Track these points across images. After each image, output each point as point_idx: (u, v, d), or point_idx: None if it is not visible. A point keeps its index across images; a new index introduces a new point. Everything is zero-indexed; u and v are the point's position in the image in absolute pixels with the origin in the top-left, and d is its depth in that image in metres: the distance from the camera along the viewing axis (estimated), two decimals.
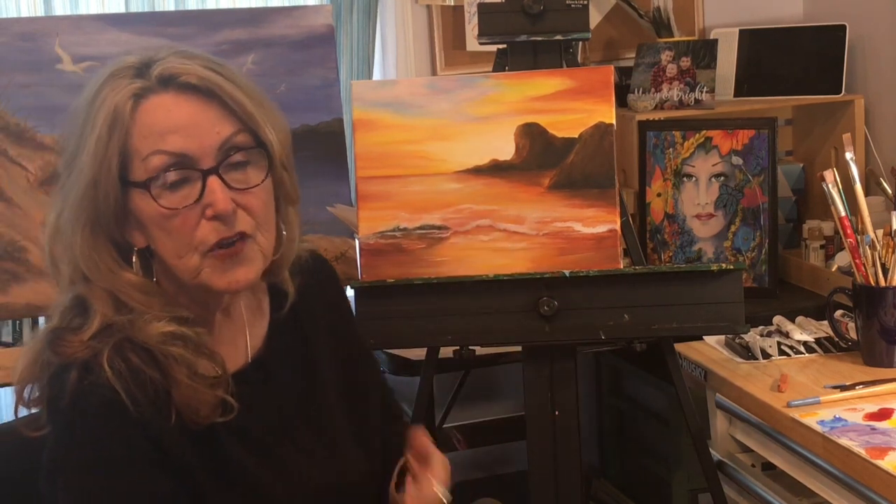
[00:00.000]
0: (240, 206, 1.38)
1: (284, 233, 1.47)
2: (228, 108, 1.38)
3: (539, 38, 2.15)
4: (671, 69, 3.01)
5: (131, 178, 1.37)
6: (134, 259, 1.40)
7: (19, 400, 1.41)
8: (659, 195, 2.89)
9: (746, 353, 2.14)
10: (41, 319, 2.45)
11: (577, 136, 2.06)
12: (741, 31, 3.17)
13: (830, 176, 2.06)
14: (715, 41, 3.07)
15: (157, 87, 1.37)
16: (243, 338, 1.50)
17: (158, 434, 1.35)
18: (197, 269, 1.38)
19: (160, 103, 1.37)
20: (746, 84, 3.14)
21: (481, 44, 2.21)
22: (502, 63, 2.18)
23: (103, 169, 1.35)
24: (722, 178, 2.82)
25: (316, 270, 1.60)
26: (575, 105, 2.06)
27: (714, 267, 2.02)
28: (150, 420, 1.35)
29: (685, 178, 2.85)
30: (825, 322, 2.16)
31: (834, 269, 2.75)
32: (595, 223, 2.05)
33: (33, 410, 1.41)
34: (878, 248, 2.02)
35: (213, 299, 1.45)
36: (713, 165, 2.82)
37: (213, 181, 1.36)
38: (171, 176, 1.36)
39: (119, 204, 1.37)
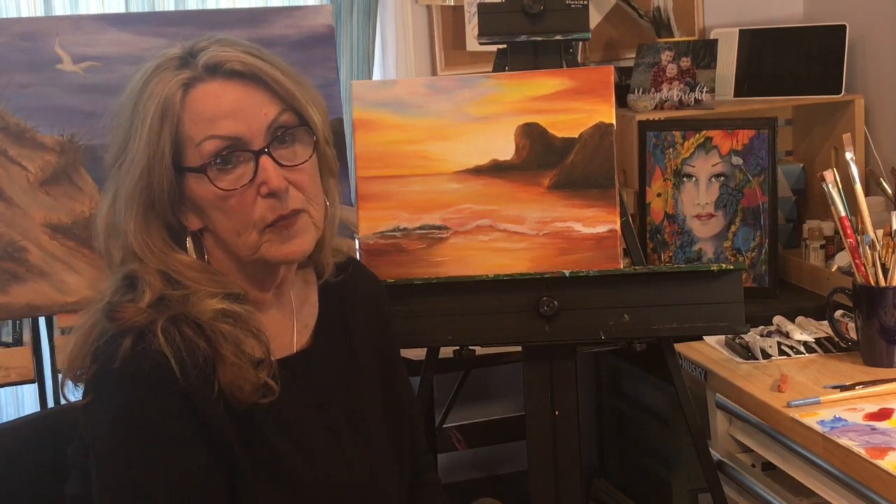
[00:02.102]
0: (290, 182, 1.44)
1: (327, 203, 1.52)
2: (272, 91, 1.44)
3: (539, 38, 2.15)
4: (671, 69, 3.01)
5: (186, 164, 1.43)
6: (188, 241, 1.47)
7: (69, 373, 1.43)
8: (659, 195, 2.89)
9: (746, 353, 2.14)
10: (41, 319, 2.46)
11: (577, 136, 2.06)
12: (741, 31, 3.17)
13: (830, 176, 2.06)
14: (715, 41, 3.07)
15: (204, 76, 1.43)
16: (290, 325, 1.54)
17: (203, 406, 1.38)
18: (256, 244, 1.44)
19: (209, 91, 1.43)
20: (746, 84, 3.14)
21: (481, 44, 2.21)
22: (502, 63, 2.18)
23: (156, 157, 1.41)
24: (722, 178, 2.82)
25: (357, 273, 1.66)
26: (575, 105, 2.06)
27: (714, 267, 2.02)
28: (197, 390, 1.38)
29: (685, 178, 2.85)
30: (825, 322, 2.16)
31: (834, 269, 2.75)
32: (595, 223, 2.05)
33: (79, 387, 1.44)
34: (878, 248, 2.02)
35: (269, 275, 1.50)
36: (713, 165, 2.82)
37: (265, 160, 1.42)
38: (225, 159, 1.41)
39: (173, 189, 1.43)
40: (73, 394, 1.46)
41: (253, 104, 1.43)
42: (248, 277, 1.49)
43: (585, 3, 2.16)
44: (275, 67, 1.45)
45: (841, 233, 2.06)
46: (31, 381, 2.45)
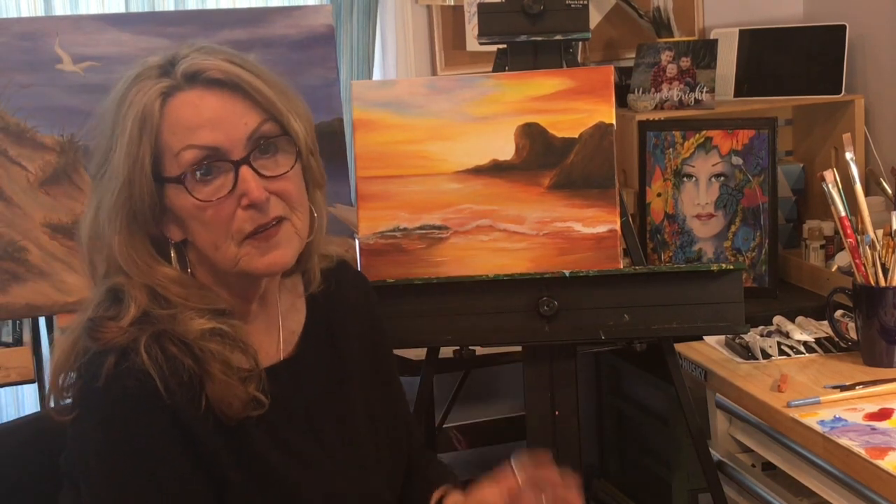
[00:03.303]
0: (272, 192, 1.41)
1: (315, 215, 1.50)
2: (253, 100, 1.42)
3: (539, 38, 2.15)
4: (671, 69, 3.01)
5: (165, 174, 1.40)
6: (172, 253, 1.44)
7: (53, 388, 1.42)
8: (659, 195, 2.89)
9: (746, 353, 2.14)
10: (41, 319, 2.46)
11: (577, 136, 2.06)
12: (741, 31, 3.17)
13: (830, 176, 2.06)
14: (715, 41, 3.07)
15: (183, 85, 1.40)
16: (276, 332, 1.52)
17: (188, 422, 1.37)
18: (235, 257, 1.42)
19: (187, 100, 1.40)
20: (746, 84, 3.14)
21: (481, 44, 2.21)
22: (502, 63, 2.18)
23: (136, 168, 1.39)
24: (722, 178, 2.82)
25: (346, 277, 1.64)
26: (575, 105, 2.06)
27: (714, 267, 2.02)
28: (182, 408, 1.37)
29: (685, 178, 2.85)
30: (825, 322, 2.16)
31: (834, 269, 2.75)
32: (595, 223, 2.05)
33: (66, 400, 1.43)
34: (878, 248, 2.02)
35: (252, 287, 1.48)
36: (713, 165, 2.82)
37: (244, 171, 1.40)
38: (204, 169, 1.39)
39: (154, 200, 1.41)
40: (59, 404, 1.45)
41: (233, 113, 1.40)
42: (231, 290, 1.46)
43: (585, 3, 2.16)
44: (256, 76, 1.42)
45: (841, 233, 2.06)
46: (31, 381, 2.45)
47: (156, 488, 1.36)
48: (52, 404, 1.44)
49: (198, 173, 1.39)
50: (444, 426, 3.12)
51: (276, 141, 1.43)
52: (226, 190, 1.39)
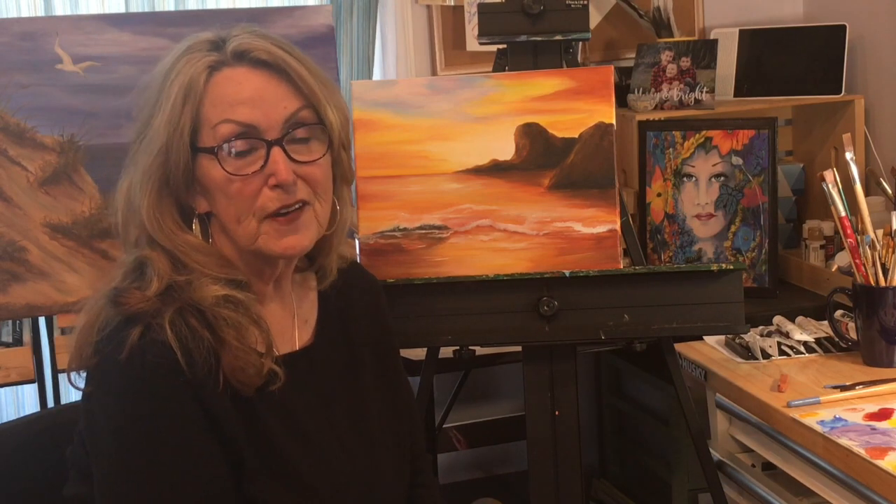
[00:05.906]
0: (300, 176, 1.45)
1: (338, 208, 1.53)
2: (295, 85, 1.45)
3: (539, 38, 2.15)
4: (671, 69, 3.01)
5: (200, 144, 1.43)
6: (195, 223, 1.47)
7: (73, 362, 1.43)
8: (659, 195, 2.89)
9: (746, 353, 2.14)
10: (41, 319, 2.46)
11: (577, 136, 2.06)
12: (741, 31, 3.17)
13: (830, 176, 2.06)
14: (715, 41, 3.07)
15: (230, 61, 1.44)
16: (291, 321, 1.54)
17: (208, 397, 1.39)
18: (254, 234, 1.45)
19: (232, 76, 1.44)
20: (746, 84, 3.14)
21: (481, 44, 2.21)
22: (502, 63, 2.18)
23: (175, 135, 1.42)
24: (722, 178, 2.82)
25: (357, 277, 1.66)
26: (575, 105, 2.06)
27: (714, 267, 2.02)
28: (202, 383, 1.38)
29: (685, 178, 2.86)
30: (825, 322, 2.16)
31: (834, 269, 2.76)
32: (595, 223, 2.05)
33: (83, 376, 1.44)
34: (878, 248, 2.02)
35: (268, 267, 1.50)
36: (713, 165, 2.82)
37: (276, 152, 1.43)
38: (238, 144, 1.43)
39: (189, 168, 1.44)
40: (79, 384, 1.45)
41: (274, 95, 1.44)
42: (249, 267, 1.49)
43: (585, 3, 2.16)
44: (301, 64, 1.46)
45: (841, 233, 2.06)
46: (31, 381, 2.45)
47: (175, 463, 1.37)
48: (72, 375, 1.44)
49: (231, 148, 1.42)
50: (444, 426, 3.12)
51: (311, 128, 1.46)
52: (256, 167, 1.42)
